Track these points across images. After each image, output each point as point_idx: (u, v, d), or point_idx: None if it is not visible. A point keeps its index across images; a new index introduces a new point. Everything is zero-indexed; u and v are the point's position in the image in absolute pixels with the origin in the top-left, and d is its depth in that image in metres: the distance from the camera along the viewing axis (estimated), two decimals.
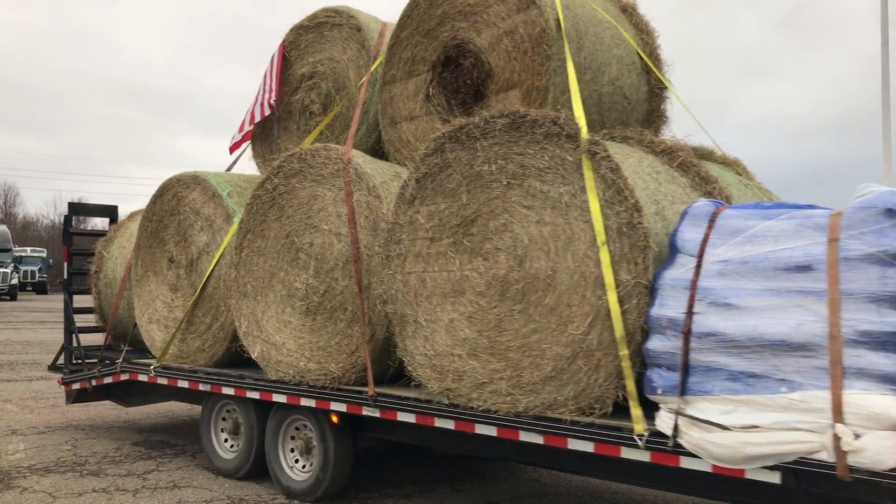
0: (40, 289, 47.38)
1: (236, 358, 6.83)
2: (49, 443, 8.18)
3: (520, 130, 4.76)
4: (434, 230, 5.19)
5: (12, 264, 40.77)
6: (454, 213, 5.08)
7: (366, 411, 5.51)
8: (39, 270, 47.38)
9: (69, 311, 8.68)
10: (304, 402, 5.93)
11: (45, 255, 49.82)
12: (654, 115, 6.31)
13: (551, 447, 4.55)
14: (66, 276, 8.80)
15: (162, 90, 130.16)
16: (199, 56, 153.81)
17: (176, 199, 7.22)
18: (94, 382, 8.09)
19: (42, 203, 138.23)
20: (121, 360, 7.70)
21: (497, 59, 5.69)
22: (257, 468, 6.55)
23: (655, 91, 6.31)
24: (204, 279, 6.85)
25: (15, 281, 40.30)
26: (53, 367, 9.11)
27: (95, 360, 8.51)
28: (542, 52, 5.41)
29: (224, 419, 6.95)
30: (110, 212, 9.40)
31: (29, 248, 50.24)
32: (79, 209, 8.94)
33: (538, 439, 4.58)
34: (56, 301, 39.62)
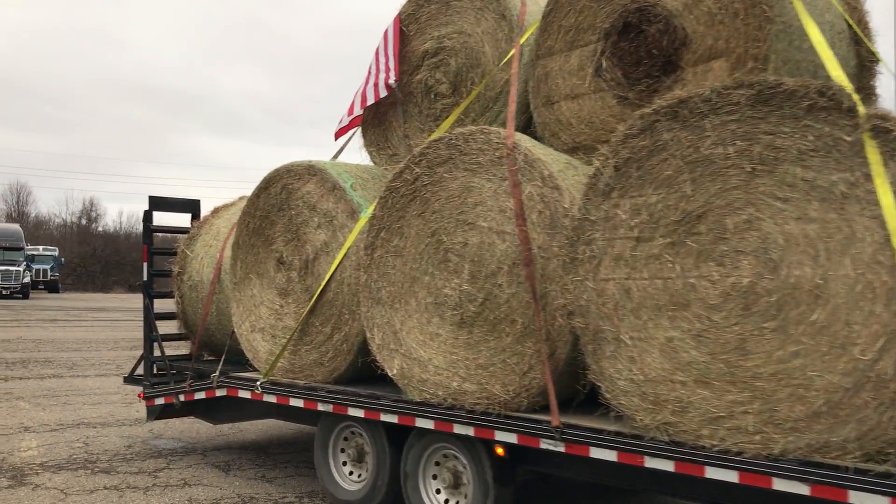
0: (52, 287, 48.08)
1: (359, 374, 5.96)
2: (61, 440, 8.12)
3: (768, 104, 3.83)
4: (641, 228, 4.27)
5: (25, 263, 41.04)
6: (672, 207, 4.16)
7: (544, 444, 4.61)
8: (51, 269, 47.89)
9: (150, 318, 7.83)
10: (459, 429, 5.03)
11: (56, 253, 49.91)
12: (863, 92, 5.36)
13: (821, 500, 3.63)
14: (146, 278, 7.93)
15: (173, 90, 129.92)
16: (211, 56, 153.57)
17: (286, 192, 6.33)
18: (181, 398, 7.25)
19: (54, 202, 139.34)
20: (217, 373, 6.84)
21: (695, 23, 4.76)
22: (390, 502, 5.68)
23: (865, 64, 5.36)
24: (323, 283, 5.97)
25: (27, 279, 40.89)
26: (130, 380, 8.27)
27: (176, 372, 7.71)
28: (759, 14, 4.48)
29: (346, 440, 6.07)
30: (192, 207, 8.53)
31: (41, 247, 50.41)
32: (160, 203, 8.07)
33: (803, 489, 3.65)
34: (68, 300, 39.98)
